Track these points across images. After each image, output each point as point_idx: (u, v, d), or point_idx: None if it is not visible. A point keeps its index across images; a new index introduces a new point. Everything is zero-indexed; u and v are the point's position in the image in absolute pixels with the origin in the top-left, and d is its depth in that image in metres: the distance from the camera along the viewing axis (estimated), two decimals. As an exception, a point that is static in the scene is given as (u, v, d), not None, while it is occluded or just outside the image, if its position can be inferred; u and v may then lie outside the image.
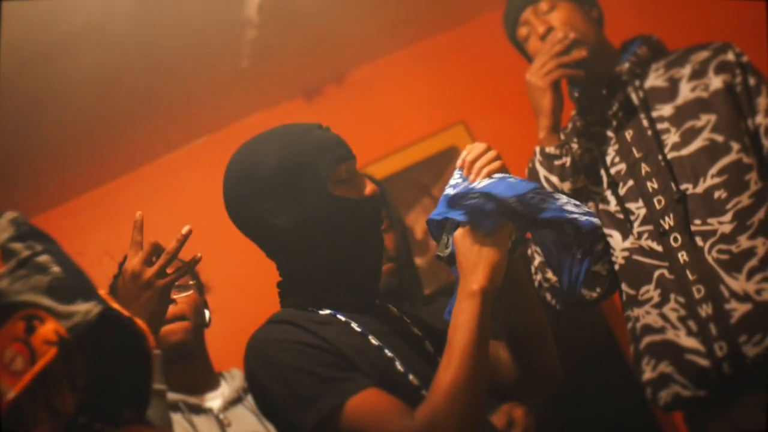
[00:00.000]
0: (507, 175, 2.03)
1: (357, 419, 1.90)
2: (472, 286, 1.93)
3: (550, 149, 2.70)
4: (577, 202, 2.01)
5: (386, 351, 2.05)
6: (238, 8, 3.97)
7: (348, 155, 2.14)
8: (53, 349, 1.58)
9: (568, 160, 2.68)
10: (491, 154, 2.06)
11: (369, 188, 2.14)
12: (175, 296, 2.74)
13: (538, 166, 2.72)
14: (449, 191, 2.03)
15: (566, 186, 2.67)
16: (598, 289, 2.74)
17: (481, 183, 2.00)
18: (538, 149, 2.74)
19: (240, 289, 4.44)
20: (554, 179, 2.68)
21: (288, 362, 1.97)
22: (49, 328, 1.60)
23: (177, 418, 2.69)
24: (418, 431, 1.86)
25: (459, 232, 1.99)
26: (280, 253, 2.18)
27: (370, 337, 2.06)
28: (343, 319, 2.08)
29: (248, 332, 2.32)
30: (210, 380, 2.93)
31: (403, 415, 1.89)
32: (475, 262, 1.95)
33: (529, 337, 2.15)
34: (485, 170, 2.03)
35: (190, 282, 2.93)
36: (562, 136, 2.82)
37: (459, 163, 2.08)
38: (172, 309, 2.77)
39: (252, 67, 4.39)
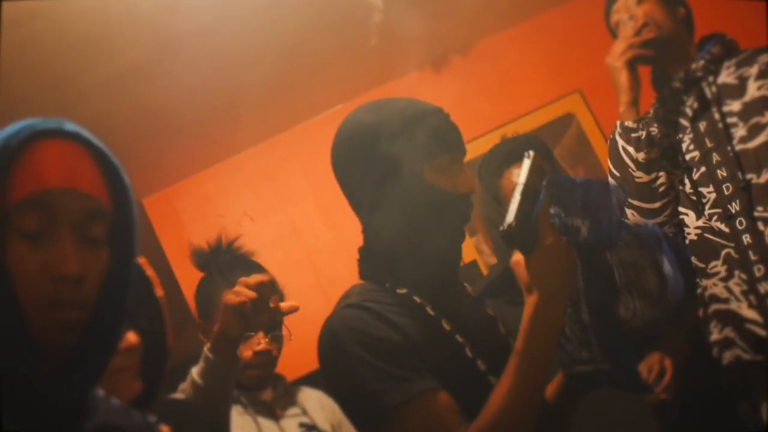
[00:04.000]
0: None
1: (414, 421, 1.98)
2: (546, 300, 1.95)
3: (629, 123, 3.03)
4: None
5: (457, 336, 2.13)
6: (364, -5, 4.29)
7: (455, 148, 2.19)
8: None
9: (643, 134, 2.99)
10: None
11: (465, 186, 2.18)
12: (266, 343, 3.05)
13: (617, 137, 3.06)
14: None
15: (641, 156, 2.98)
16: None
17: None
18: (618, 123, 3.06)
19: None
20: (630, 149, 3.00)
21: (359, 355, 2.03)
22: None
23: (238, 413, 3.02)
24: None
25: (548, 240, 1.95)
26: (366, 217, 2.24)
27: (443, 322, 2.14)
28: (418, 300, 2.15)
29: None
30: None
31: (457, 426, 1.98)
32: (555, 277, 1.95)
33: None
34: None
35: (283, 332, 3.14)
36: (648, 118, 3.13)
37: None
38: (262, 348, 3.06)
39: (380, 44, 4.68)
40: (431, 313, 2.15)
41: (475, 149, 4.96)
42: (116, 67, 4.07)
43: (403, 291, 2.17)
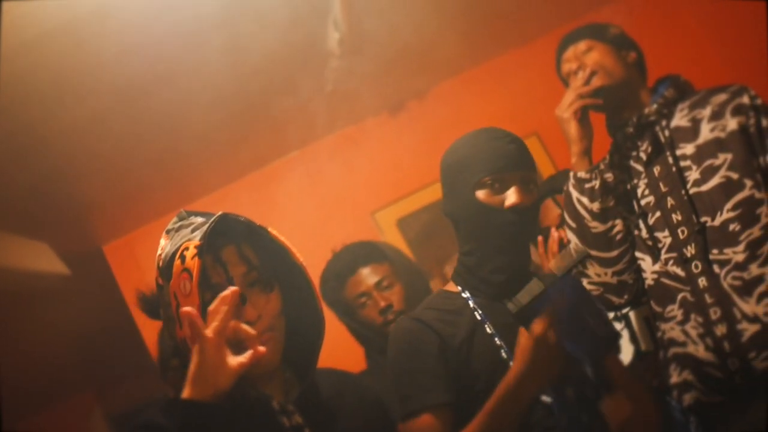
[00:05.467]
0: None
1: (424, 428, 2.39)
2: (522, 373, 2.33)
3: (581, 173, 3.01)
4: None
5: (496, 339, 2.46)
6: (320, 42, 4.31)
7: (505, 167, 2.51)
8: (197, 260, 2.01)
9: (597, 183, 2.98)
10: None
11: (509, 201, 2.49)
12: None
13: (571, 188, 3.04)
14: None
15: (595, 206, 2.97)
16: (626, 296, 3.05)
17: None
18: (571, 174, 3.05)
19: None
20: (585, 200, 2.99)
21: (400, 362, 2.48)
22: (191, 248, 2.04)
23: None
24: None
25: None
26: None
27: (486, 326, 2.48)
28: (471, 305, 2.52)
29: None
30: None
31: None
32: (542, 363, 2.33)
33: None
34: None
35: None
36: (602, 166, 3.14)
37: None
38: None
39: (337, 89, 4.70)
40: (478, 318, 2.50)
41: (433, 194, 4.99)
42: (80, 114, 4.05)
43: (466, 296, 2.56)
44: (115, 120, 4.23)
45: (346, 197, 5.29)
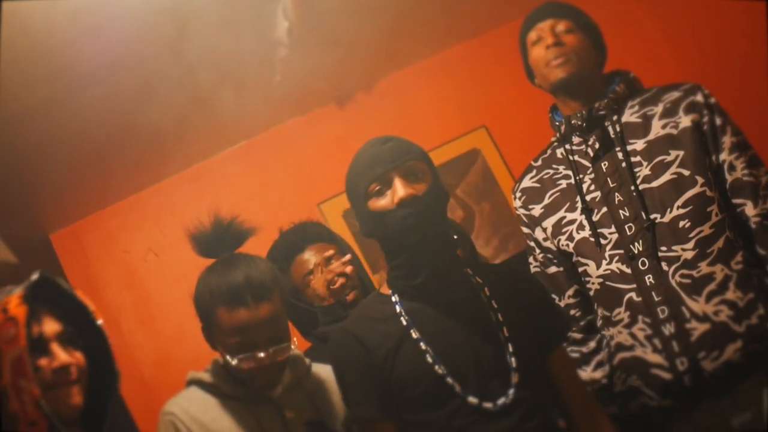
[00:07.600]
0: None
1: None
2: None
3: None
4: None
5: (421, 344, 2.49)
6: (269, 31, 4.24)
7: (382, 170, 2.51)
8: (22, 306, 2.12)
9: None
10: None
11: (396, 197, 2.48)
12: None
13: None
14: None
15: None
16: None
17: None
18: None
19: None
20: None
21: (336, 374, 2.60)
22: (14, 300, 2.13)
23: (237, 406, 2.73)
24: None
25: None
26: None
27: (412, 331, 2.51)
28: (398, 310, 2.55)
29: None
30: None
31: None
32: None
33: None
34: None
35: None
36: (540, 162, 3.13)
37: None
38: None
39: (285, 79, 4.65)
40: (404, 323, 2.52)
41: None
42: (29, 100, 3.97)
43: (395, 299, 2.59)
44: (64, 107, 4.15)
45: (293, 188, 5.23)
